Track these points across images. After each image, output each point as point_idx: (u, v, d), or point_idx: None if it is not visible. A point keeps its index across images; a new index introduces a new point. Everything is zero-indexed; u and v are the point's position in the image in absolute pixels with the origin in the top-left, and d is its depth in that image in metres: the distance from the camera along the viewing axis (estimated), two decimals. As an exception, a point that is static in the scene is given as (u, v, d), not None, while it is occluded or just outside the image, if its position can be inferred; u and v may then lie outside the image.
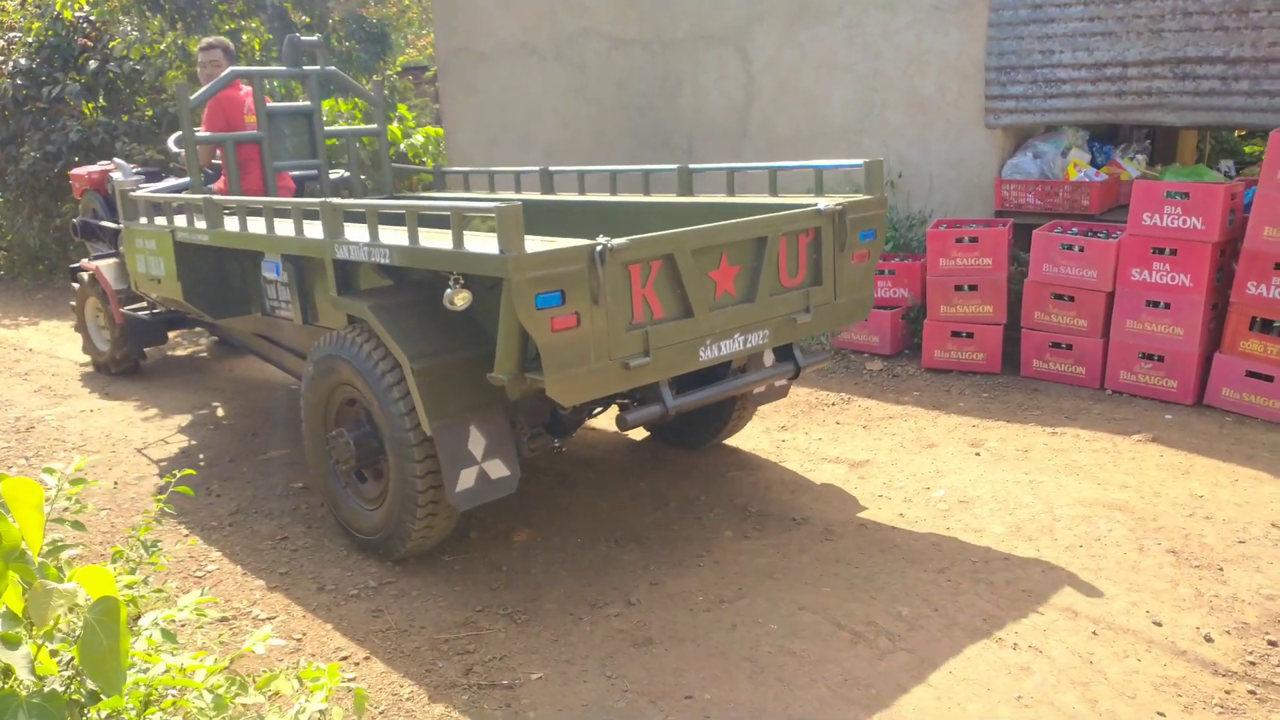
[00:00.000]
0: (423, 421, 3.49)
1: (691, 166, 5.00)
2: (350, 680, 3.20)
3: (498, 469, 3.65)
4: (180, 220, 4.93)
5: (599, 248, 3.20)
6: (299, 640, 3.48)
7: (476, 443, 3.58)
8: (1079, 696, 2.95)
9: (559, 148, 9.02)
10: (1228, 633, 3.25)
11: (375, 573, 3.93)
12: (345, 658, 3.35)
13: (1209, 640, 3.21)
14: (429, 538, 3.84)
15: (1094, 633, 3.27)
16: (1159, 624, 3.31)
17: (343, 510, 4.13)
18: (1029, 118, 6.44)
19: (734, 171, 4.80)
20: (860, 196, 4.11)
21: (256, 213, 4.50)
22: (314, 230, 4.01)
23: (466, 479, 3.56)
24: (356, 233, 3.83)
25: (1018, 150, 6.68)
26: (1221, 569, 3.66)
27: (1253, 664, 3.09)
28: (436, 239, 3.50)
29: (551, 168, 5.80)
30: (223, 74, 5.47)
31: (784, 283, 3.88)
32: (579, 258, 3.19)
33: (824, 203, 3.96)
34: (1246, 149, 9.78)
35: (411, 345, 3.53)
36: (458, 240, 3.32)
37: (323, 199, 3.90)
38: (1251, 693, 2.95)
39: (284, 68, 5.81)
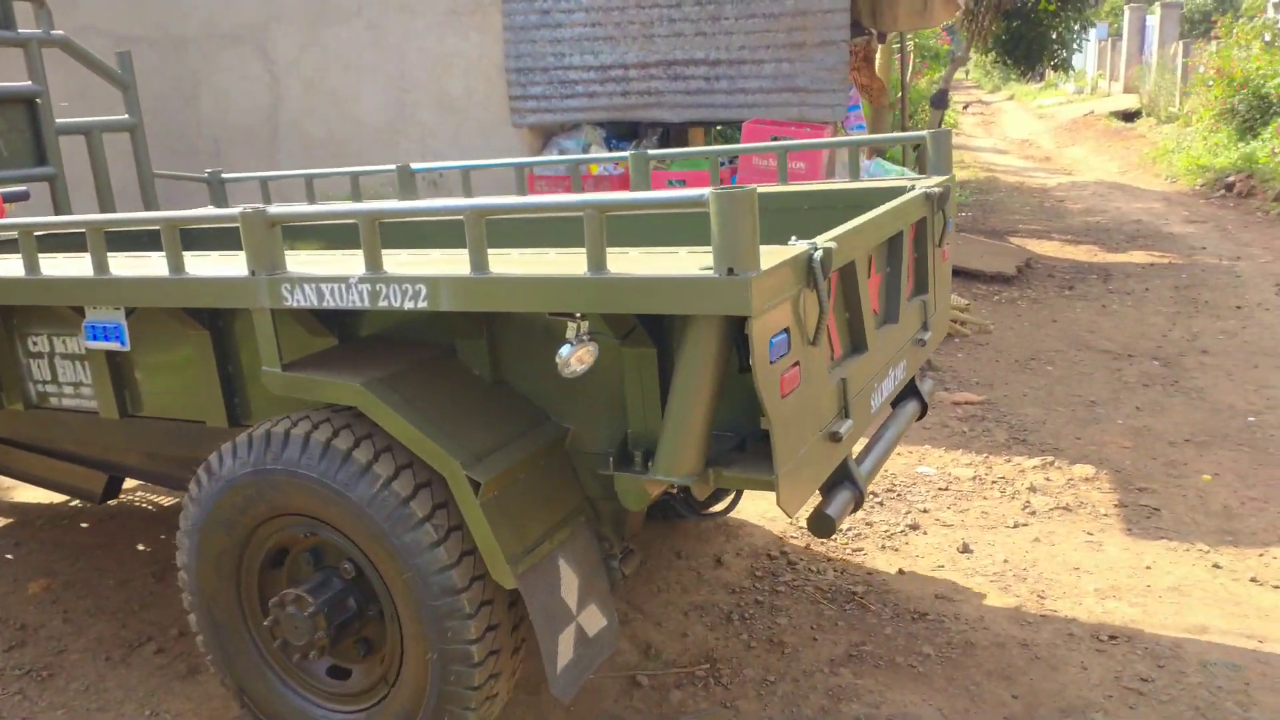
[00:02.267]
0: (496, 570, 2.16)
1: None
2: None
3: (594, 619, 2.36)
4: None
5: (817, 254, 2.05)
6: None
7: (569, 585, 2.29)
8: (629, 634, 3.24)
9: (65, 149, 8.08)
10: (738, 555, 3.74)
11: None
12: None
13: (721, 564, 3.67)
14: None
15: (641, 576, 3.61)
16: (681, 556, 3.72)
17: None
18: (550, 117, 6.87)
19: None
20: (946, 177, 3.19)
21: (61, 238, 3.09)
22: (205, 265, 2.51)
23: (566, 647, 2.25)
24: (344, 264, 2.32)
25: (545, 148, 7.09)
26: (734, 503, 4.19)
27: (758, 578, 3.58)
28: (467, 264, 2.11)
29: (414, 165, 4.55)
30: None
31: (904, 293, 2.91)
32: (795, 274, 2.03)
33: (924, 184, 3.00)
34: (742, 142, 11.22)
35: (460, 445, 2.16)
36: (597, 261, 1.97)
37: (251, 205, 2.28)
38: (759, 602, 3.42)
39: None
